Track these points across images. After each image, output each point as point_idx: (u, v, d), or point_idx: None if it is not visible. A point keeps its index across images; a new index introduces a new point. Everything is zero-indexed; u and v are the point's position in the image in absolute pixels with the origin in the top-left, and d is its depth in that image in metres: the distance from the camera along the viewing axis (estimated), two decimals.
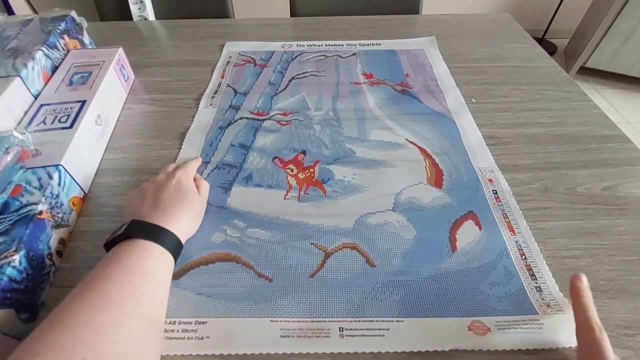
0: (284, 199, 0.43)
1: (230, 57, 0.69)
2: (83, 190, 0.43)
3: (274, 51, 0.70)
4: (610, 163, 0.47)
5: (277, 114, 0.55)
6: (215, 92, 0.60)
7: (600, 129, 0.52)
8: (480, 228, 0.40)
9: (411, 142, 0.50)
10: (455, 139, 0.51)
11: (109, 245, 0.33)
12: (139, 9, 0.99)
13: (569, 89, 0.60)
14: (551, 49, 2.14)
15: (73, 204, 0.41)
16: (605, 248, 0.38)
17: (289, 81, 0.62)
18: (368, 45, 0.72)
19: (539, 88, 0.60)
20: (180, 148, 0.50)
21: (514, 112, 0.56)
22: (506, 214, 0.41)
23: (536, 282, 0.35)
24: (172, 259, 0.33)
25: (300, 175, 0.46)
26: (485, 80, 0.62)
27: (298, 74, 0.64)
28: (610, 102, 1.79)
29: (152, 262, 0.31)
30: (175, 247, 0.34)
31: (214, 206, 0.42)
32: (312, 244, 0.39)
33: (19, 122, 0.44)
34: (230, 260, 0.37)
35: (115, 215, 0.42)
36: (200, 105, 0.57)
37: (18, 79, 0.46)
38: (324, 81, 0.62)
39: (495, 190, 0.44)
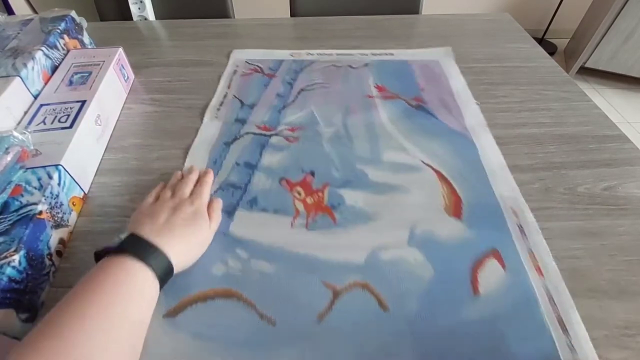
0: (291, 226, 0.40)
1: (237, 65, 0.66)
2: (83, 190, 0.43)
3: (283, 60, 0.67)
4: (610, 163, 0.47)
5: (285, 129, 0.52)
6: (221, 104, 0.57)
7: (600, 129, 0.52)
8: (504, 268, 0.36)
9: (427, 164, 0.47)
10: (474, 162, 0.47)
11: (99, 254, 0.32)
12: (139, 9, 0.99)
13: (569, 89, 0.60)
14: (551, 49, 2.14)
15: (73, 204, 0.41)
16: (606, 248, 0.38)
17: (298, 93, 0.59)
18: (380, 55, 0.68)
19: (539, 88, 0.60)
20: (184, 164, 0.48)
21: (514, 112, 0.56)
22: (532, 252, 0.37)
23: (568, 339, 0.31)
24: (158, 284, 0.31)
25: (309, 200, 0.43)
26: (486, 81, 0.62)
27: (307, 86, 0.61)
28: (610, 102, 1.79)
29: (140, 284, 0.30)
30: (165, 272, 0.32)
31: (216, 232, 0.39)
32: (320, 280, 0.35)
33: (19, 122, 0.44)
34: (231, 297, 0.34)
35: (115, 215, 0.42)
36: (204, 118, 0.54)
37: (18, 78, 0.46)
38: (334, 94, 0.59)
39: (520, 224, 0.40)
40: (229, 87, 0.61)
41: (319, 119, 0.54)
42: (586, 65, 1.84)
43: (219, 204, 0.41)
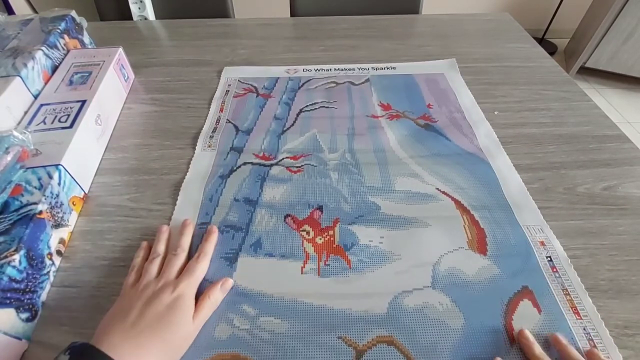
0: (301, 272, 0.36)
1: (229, 85, 0.61)
2: (83, 190, 0.43)
3: (278, 77, 0.63)
4: (610, 163, 0.47)
5: (287, 157, 0.48)
6: (214, 130, 0.52)
7: (600, 129, 0.52)
8: (539, 310, 0.33)
9: (443, 192, 0.43)
10: (493, 188, 0.44)
11: None
12: (139, 8, 0.99)
13: (569, 89, 0.60)
14: (551, 49, 2.14)
15: (73, 203, 0.41)
16: (605, 248, 0.38)
17: (297, 115, 0.55)
18: (382, 69, 0.64)
19: (539, 88, 0.60)
20: (176, 202, 0.43)
21: (513, 112, 0.56)
22: (567, 289, 0.34)
23: None
24: None
25: (319, 240, 0.39)
26: (485, 80, 0.62)
27: (307, 106, 0.57)
28: (610, 102, 1.79)
29: None
30: None
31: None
32: (339, 337, 0.32)
33: (19, 122, 0.44)
34: None
35: (115, 214, 0.42)
36: (197, 147, 0.49)
37: (18, 78, 0.46)
38: (336, 114, 0.55)
39: (550, 257, 0.37)
40: (221, 110, 0.56)
41: (323, 144, 0.50)
42: (586, 65, 1.84)
43: (221, 291, 0.34)
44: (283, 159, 0.48)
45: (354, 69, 0.65)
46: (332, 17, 0.83)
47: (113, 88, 0.55)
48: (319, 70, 0.64)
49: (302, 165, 0.47)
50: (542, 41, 2.14)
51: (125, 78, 0.60)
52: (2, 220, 0.34)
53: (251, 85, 0.61)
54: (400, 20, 0.82)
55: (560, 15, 2.03)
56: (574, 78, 1.73)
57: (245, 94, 0.59)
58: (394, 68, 0.65)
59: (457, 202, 0.42)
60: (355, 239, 0.39)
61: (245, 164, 0.47)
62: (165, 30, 0.80)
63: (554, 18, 2.04)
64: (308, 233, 0.39)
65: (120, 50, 0.59)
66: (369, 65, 0.66)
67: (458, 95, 0.58)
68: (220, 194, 0.44)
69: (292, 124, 0.53)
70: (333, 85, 0.61)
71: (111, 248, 0.39)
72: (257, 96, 0.59)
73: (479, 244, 0.38)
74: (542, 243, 0.38)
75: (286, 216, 0.41)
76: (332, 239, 0.39)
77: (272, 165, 0.47)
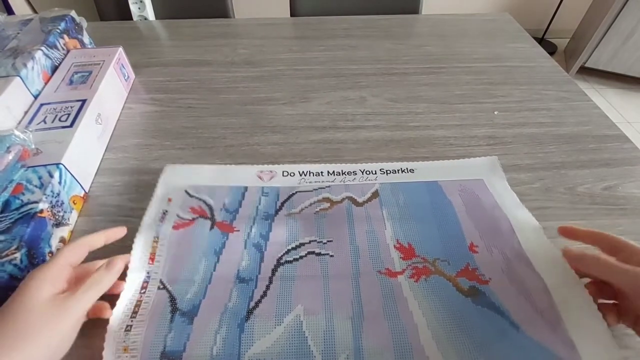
0: None
1: (169, 200, 0.40)
2: (84, 189, 0.43)
3: (247, 187, 0.42)
4: (610, 163, 0.47)
5: None
6: (135, 312, 0.31)
7: (600, 129, 0.52)
8: None
9: None
10: None
11: None
12: (139, 8, 0.99)
13: (569, 89, 0.60)
14: (551, 49, 2.14)
15: (74, 202, 0.41)
16: None
17: (273, 271, 0.35)
18: (395, 172, 0.44)
19: (539, 88, 0.60)
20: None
21: (513, 112, 0.56)
22: None
23: None
24: None
25: None
26: (485, 80, 0.62)
27: (288, 251, 0.36)
28: (610, 102, 1.79)
29: None
30: None
31: None
32: None
33: (19, 122, 0.45)
34: None
35: (115, 214, 0.42)
36: (105, 351, 0.28)
37: (18, 78, 0.46)
38: (332, 270, 0.35)
39: None
40: (151, 259, 0.35)
41: (313, 345, 0.29)
42: (586, 65, 1.85)
43: (106, 271, 0.30)
44: None
45: (355, 172, 0.44)
46: (332, 17, 0.83)
47: (113, 87, 0.55)
48: (304, 174, 0.43)
49: None
50: (542, 41, 2.14)
51: (126, 78, 0.60)
52: (3, 219, 0.34)
53: (203, 202, 0.40)
54: (400, 20, 0.82)
55: (560, 16, 2.03)
56: (574, 78, 1.73)
57: (193, 221, 0.38)
58: (411, 171, 0.45)
59: None
60: None
61: None
62: (165, 30, 0.80)
63: (554, 18, 2.04)
64: None
65: (121, 49, 0.59)
66: (377, 165, 0.45)
67: (513, 222, 0.38)
68: None
69: (264, 294, 0.33)
70: (326, 206, 0.40)
71: (111, 248, 0.39)
72: (211, 227, 0.38)
73: None
74: None
75: None
76: None
77: None
